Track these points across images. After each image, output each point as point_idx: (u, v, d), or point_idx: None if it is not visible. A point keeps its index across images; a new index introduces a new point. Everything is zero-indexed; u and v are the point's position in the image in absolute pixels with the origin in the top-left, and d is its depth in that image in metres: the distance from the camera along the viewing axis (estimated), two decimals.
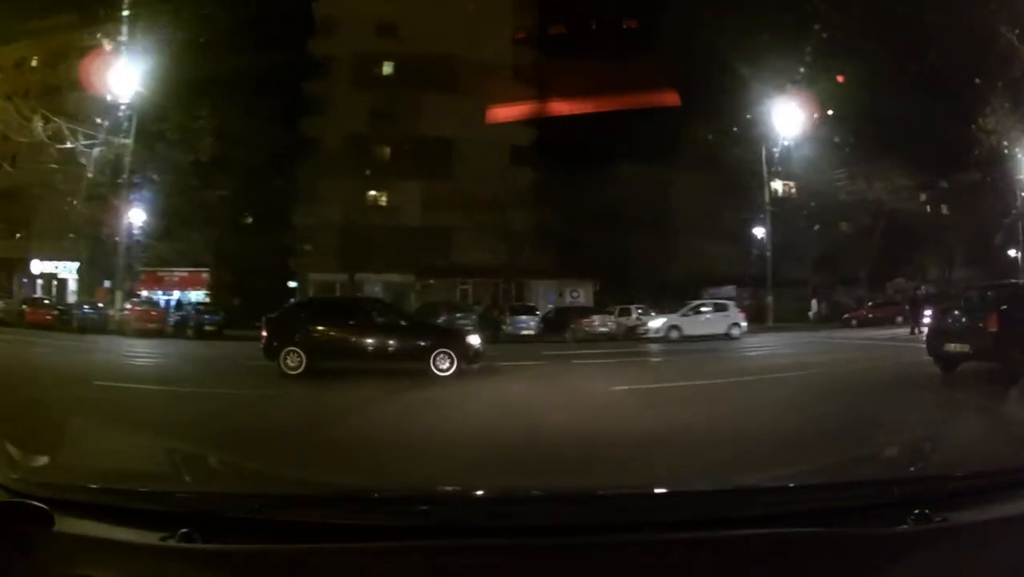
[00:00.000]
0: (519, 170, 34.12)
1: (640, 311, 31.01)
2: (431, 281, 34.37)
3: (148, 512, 1.68)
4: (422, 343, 12.54)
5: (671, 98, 30.46)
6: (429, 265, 34.26)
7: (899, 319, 30.96)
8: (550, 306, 32.14)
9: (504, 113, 33.69)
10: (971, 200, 37.09)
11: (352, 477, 3.33)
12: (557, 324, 28.21)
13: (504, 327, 27.67)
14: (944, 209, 37.82)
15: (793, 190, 36.62)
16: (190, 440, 4.73)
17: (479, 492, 2.01)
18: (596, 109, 32.19)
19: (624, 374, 13.67)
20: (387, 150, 37.38)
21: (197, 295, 37.20)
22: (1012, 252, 39.60)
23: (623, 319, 29.49)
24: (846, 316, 33.16)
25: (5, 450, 2.03)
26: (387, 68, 39.29)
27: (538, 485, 2.34)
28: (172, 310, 31.87)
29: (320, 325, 12.93)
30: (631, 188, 33.21)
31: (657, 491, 1.98)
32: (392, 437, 6.60)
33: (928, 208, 38.07)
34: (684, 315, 26.46)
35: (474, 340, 13.37)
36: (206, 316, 29.01)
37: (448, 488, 2.22)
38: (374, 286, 34.97)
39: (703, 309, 27.19)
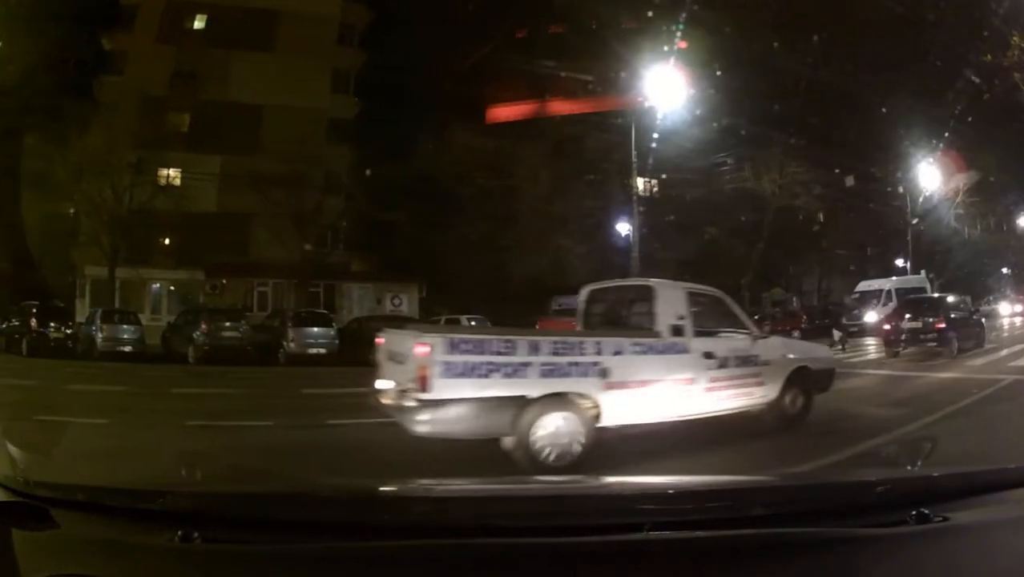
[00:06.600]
0: (336, 147, 28.33)
1: (474, 323, 25.89)
2: (223, 281, 28.11)
3: (148, 512, 1.67)
4: None
5: None
6: (222, 261, 28.02)
7: (795, 334, 26.71)
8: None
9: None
10: (859, 203, 33.81)
11: (352, 477, 3.30)
12: (359, 339, 22.35)
13: (286, 343, 21.69)
14: (822, 215, 33.90)
15: (655, 183, 31.88)
16: None
17: (479, 492, 2.08)
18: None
19: None
20: (185, 117, 30.88)
21: None
22: (899, 261, 36.66)
23: None
24: None
25: (5, 450, 1.99)
26: (198, 22, 33.09)
27: (538, 485, 2.43)
28: None
29: None
30: (467, 170, 27.68)
31: (655, 491, 2.04)
32: None
33: (817, 210, 34.12)
34: None
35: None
36: None
37: (448, 488, 2.26)
38: (154, 285, 28.51)
39: None
